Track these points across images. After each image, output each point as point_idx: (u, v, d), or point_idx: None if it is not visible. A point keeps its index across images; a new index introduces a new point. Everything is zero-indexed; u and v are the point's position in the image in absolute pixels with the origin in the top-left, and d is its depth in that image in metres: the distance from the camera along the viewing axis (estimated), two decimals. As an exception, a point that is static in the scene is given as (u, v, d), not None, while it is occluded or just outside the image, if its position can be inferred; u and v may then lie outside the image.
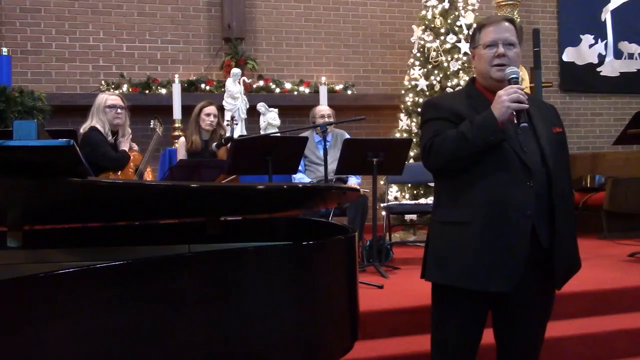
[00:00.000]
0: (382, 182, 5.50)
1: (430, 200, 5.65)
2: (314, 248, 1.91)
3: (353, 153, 4.27)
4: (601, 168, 6.68)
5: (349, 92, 6.95)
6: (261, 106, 5.98)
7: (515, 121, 2.02)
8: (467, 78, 6.01)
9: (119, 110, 4.32)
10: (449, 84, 6.08)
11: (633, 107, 7.61)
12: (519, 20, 6.58)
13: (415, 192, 6.02)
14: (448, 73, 6.13)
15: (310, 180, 5.01)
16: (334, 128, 5.30)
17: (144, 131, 5.45)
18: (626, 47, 8.03)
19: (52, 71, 6.43)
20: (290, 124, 6.35)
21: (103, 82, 6.36)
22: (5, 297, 1.44)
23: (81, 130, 4.32)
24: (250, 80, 6.59)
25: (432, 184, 5.70)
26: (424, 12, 6.41)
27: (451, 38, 6.19)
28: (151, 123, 4.85)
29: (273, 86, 6.72)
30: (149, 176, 4.49)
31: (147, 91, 6.41)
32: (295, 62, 7.05)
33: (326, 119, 5.03)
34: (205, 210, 2.16)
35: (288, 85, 6.78)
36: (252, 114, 6.03)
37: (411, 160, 5.80)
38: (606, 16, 7.95)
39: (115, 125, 4.34)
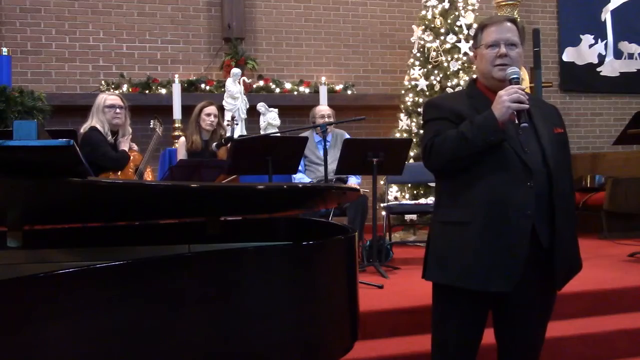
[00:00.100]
0: (382, 182, 5.50)
1: (430, 200, 5.65)
2: (314, 248, 1.91)
3: (353, 153, 4.27)
4: (601, 168, 6.68)
5: (349, 92, 6.95)
6: (261, 106, 5.98)
7: (516, 121, 2.02)
8: (467, 78, 6.02)
9: (117, 110, 4.32)
10: (449, 84, 6.08)
11: (633, 107, 7.61)
12: (519, 20, 6.57)
13: (415, 192, 6.02)
14: (448, 73, 6.13)
15: (310, 180, 5.01)
16: (334, 128, 5.30)
17: (144, 131, 5.45)
18: (626, 47, 8.03)
19: (52, 71, 6.43)
20: (290, 124, 6.35)
21: (103, 82, 6.36)
22: (5, 297, 1.44)
23: (81, 130, 4.32)
24: (250, 80, 6.59)
25: (432, 184, 5.71)
26: (424, 12, 6.41)
27: (451, 38, 6.19)
28: (151, 123, 4.85)
29: (273, 86, 6.72)
30: (149, 176, 4.49)
31: (147, 91, 6.41)
32: (295, 62, 7.05)
33: (326, 119, 5.03)
34: (205, 210, 2.16)
35: (288, 85, 6.78)
36: (252, 114, 6.03)
37: (411, 160, 5.80)
38: (606, 16, 7.95)
39: (115, 125, 4.34)
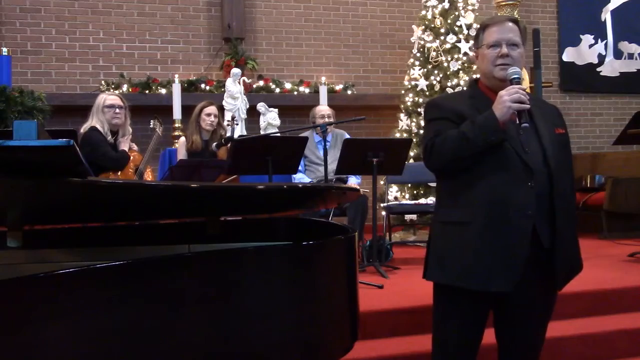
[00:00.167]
0: (382, 182, 5.50)
1: (430, 200, 5.65)
2: (314, 248, 1.91)
3: (353, 153, 4.27)
4: (601, 168, 6.68)
5: (349, 92, 6.95)
6: (261, 106, 5.98)
7: (517, 121, 2.02)
8: (467, 78, 6.02)
9: (117, 110, 4.32)
10: (449, 84, 6.08)
11: (633, 107, 7.61)
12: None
13: (415, 192, 6.02)
14: (448, 73, 6.13)
15: (310, 180, 5.01)
16: (334, 128, 5.30)
17: (144, 131, 5.45)
18: (626, 47, 8.03)
19: (52, 71, 6.43)
20: (290, 124, 6.35)
21: (103, 82, 6.36)
22: (5, 297, 1.44)
23: (81, 130, 4.32)
24: (250, 80, 6.59)
25: (432, 184, 5.71)
26: (424, 12, 6.41)
27: (451, 38, 6.19)
28: (151, 123, 4.85)
29: (273, 86, 6.72)
30: (149, 176, 4.49)
31: (147, 91, 6.41)
32: (295, 62, 7.05)
33: (326, 119, 5.03)
34: (205, 210, 2.16)
35: (288, 85, 6.78)
36: (252, 114, 6.03)
37: (411, 160, 5.80)
38: (606, 16, 7.95)
39: (115, 125, 4.34)
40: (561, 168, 2.12)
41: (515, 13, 6.74)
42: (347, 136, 5.02)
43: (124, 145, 4.36)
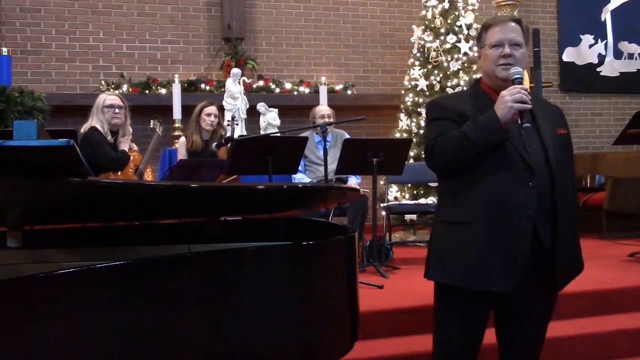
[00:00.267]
0: (382, 182, 5.50)
1: (430, 200, 5.65)
2: (314, 248, 1.91)
3: (353, 153, 4.27)
4: (601, 168, 6.68)
5: (349, 92, 6.95)
6: (261, 106, 5.98)
7: (519, 121, 2.02)
8: (467, 78, 6.02)
9: (117, 110, 4.32)
10: (449, 84, 6.08)
11: (633, 107, 7.61)
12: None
13: (415, 192, 6.02)
14: (448, 73, 6.13)
15: (310, 180, 5.01)
16: (334, 128, 5.30)
17: (144, 131, 5.45)
18: (626, 47, 8.03)
19: (52, 71, 6.43)
20: (290, 124, 6.35)
21: (103, 82, 6.36)
22: (5, 297, 1.44)
23: (81, 130, 4.33)
24: (250, 80, 6.59)
25: (432, 184, 5.71)
26: (424, 12, 6.41)
27: (451, 38, 6.19)
28: (151, 123, 4.85)
29: (273, 86, 6.72)
30: (149, 176, 4.49)
31: (147, 91, 6.41)
32: (295, 62, 7.05)
33: (326, 119, 5.03)
34: (205, 210, 2.16)
35: (288, 85, 6.78)
36: (252, 114, 6.03)
37: (411, 160, 5.80)
38: (606, 16, 7.95)
39: (114, 125, 4.34)
40: (562, 168, 2.12)
41: (515, 13, 6.73)
42: (347, 136, 5.02)
43: (124, 145, 4.36)
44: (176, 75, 6.27)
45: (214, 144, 4.56)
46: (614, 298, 3.58)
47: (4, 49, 5.20)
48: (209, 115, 4.86)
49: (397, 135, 6.27)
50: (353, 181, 5.04)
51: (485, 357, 2.36)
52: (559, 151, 2.13)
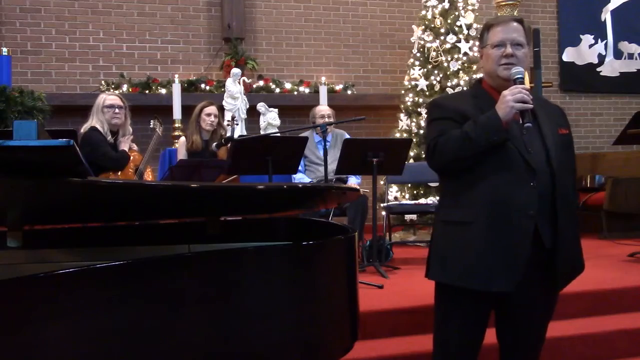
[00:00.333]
0: (382, 182, 5.50)
1: (430, 200, 5.65)
2: (314, 248, 1.91)
3: (353, 153, 4.27)
4: (601, 168, 6.68)
5: (349, 92, 6.95)
6: (261, 106, 5.98)
7: (520, 121, 2.02)
8: (467, 78, 6.02)
9: (117, 110, 4.32)
10: (449, 84, 6.08)
11: (633, 107, 7.61)
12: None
13: (415, 192, 6.02)
14: (448, 73, 6.13)
15: (310, 180, 5.01)
16: (334, 128, 5.30)
17: (144, 131, 5.45)
18: (626, 47, 8.03)
19: (52, 71, 6.43)
20: (290, 124, 6.35)
21: (103, 82, 6.36)
22: (5, 297, 1.44)
23: (81, 130, 4.33)
24: (250, 80, 6.59)
25: (432, 184, 5.71)
26: (424, 12, 6.41)
27: (451, 38, 6.19)
28: (151, 123, 4.85)
29: (273, 86, 6.71)
30: (149, 176, 4.49)
31: (147, 91, 6.41)
32: (295, 62, 7.05)
33: (326, 119, 5.03)
34: (205, 210, 2.16)
35: (288, 85, 6.78)
36: (252, 114, 6.03)
37: (411, 160, 5.80)
38: (606, 16, 7.95)
39: (114, 125, 4.34)
40: (564, 168, 2.12)
41: (515, 13, 6.73)
42: (347, 136, 5.02)
43: (124, 145, 4.36)
44: (176, 75, 6.27)
45: (214, 144, 4.56)
46: (614, 298, 3.59)
47: (4, 49, 5.20)
48: (209, 115, 4.86)
49: (397, 135, 6.27)
50: (353, 181, 5.04)
51: (485, 357, 2.35)
52: (560, 151, 2.13)
